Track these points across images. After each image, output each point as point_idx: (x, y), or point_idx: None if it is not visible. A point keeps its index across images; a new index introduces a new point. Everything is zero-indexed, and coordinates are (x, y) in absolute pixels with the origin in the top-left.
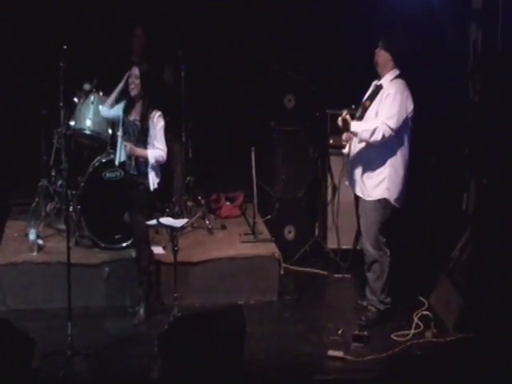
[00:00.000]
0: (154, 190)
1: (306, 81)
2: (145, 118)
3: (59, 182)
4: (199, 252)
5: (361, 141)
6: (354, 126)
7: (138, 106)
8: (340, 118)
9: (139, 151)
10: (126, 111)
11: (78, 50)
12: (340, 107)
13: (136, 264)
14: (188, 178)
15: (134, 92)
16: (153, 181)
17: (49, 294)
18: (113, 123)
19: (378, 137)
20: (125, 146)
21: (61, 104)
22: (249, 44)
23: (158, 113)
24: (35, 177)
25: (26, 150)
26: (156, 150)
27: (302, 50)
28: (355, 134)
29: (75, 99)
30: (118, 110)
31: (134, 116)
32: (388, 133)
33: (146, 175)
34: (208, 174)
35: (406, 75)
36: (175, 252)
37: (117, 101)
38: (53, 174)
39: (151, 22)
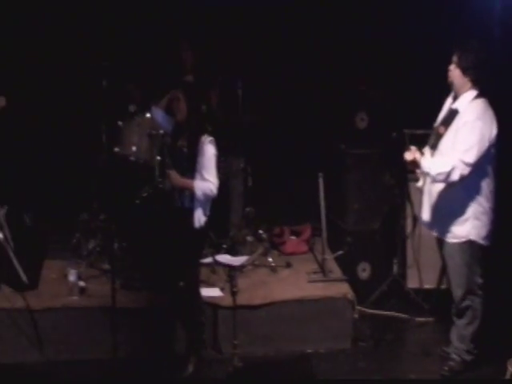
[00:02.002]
0: (201, 227)
1: (380, 96)
2: (192, 144)
3: (101, 216)
4: (261, 293)
5: (435, 182)
6: (425, 164)
7: (186, 131)
8: (407, 158)
9: (184, 181)
10: (174, 136)
11: (122, 66)
12: (419, 126)
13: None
14: (247, 210)
15: (178, 116)
16: (199, 218)
17: (92, 343)
18: (161, 151)
19: (454, 178)
20: (168, 174)
21: (103, 127)
22: (314, 56)
23: (209, 138)
24: (74, 210)
25: (63, 179)
26: (205, 181)
27: (376, 61)
28: (427, 174)
29: (119, 122)
30: (168, 120)
31: (182, 141)
32: (466, 171)
33: (190, 211)
34: (270, 205)
35: (491, 91)
36: (234, 294)
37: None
38: (94, 206)
39: (202, 35)
